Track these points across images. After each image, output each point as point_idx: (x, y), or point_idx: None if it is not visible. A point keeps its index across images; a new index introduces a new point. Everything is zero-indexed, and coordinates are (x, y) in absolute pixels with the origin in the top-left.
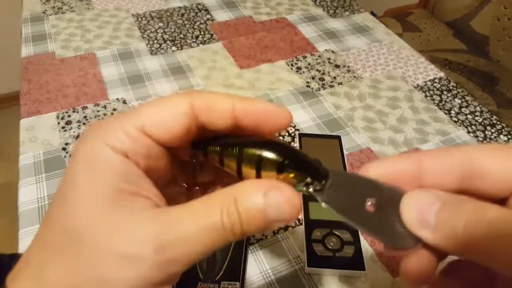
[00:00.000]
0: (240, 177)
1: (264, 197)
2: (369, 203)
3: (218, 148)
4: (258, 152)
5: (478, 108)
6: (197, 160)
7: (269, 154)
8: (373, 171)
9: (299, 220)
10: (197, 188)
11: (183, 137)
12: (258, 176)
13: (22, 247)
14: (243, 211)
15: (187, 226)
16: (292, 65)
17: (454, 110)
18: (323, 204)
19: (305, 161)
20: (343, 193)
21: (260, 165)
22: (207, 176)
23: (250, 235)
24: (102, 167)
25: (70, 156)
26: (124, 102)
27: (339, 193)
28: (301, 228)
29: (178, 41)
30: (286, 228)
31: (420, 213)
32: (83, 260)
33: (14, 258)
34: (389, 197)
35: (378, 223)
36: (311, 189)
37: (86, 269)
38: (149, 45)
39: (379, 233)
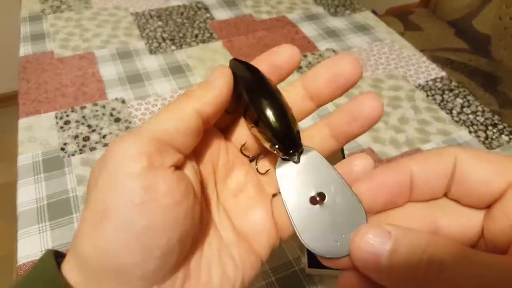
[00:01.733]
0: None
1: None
2: (314, 194)
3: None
4: (250, 94)
5: (479, 108)
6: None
7: (254, 108)
8: (363, 187)
9: None
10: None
11: (193, 141)
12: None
13: (21, 248)
14: None
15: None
16: None
17: (456, 110)
18: (277, 171)
19: (283, 125)
20: (302, 173)
21: (245, 111)
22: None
23: (200, 91)
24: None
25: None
26: (123, 101)
27: (299, 171)
28: None
29: (178, 40)
30: None
31: (372, 256)
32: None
33: None
34: (344, 203)
35: (312, 221)
36: (275, 152)
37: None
38: (148, 44)
39: (303, 230)
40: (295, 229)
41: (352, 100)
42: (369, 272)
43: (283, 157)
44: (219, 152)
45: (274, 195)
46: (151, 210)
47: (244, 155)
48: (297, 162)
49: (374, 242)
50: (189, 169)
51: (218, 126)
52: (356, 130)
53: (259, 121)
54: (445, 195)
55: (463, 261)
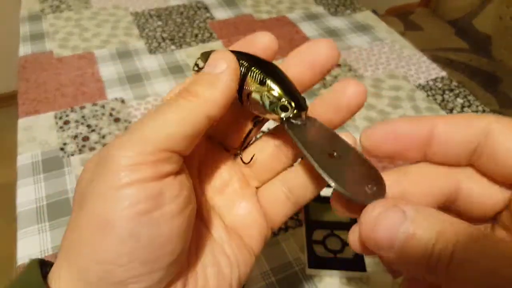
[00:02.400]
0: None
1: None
2: (334, 153)
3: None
4: (248, 63)
5: (480, 108)
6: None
7: (259, 66)
8: (379, 130)
9: (299, 221)
10: None
11: (193, 143)
12: (242, 83)
13: (20, 248)
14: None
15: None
16: None
17: (456, 110)
18: (290, 132)
19: (290, 85)
20: (311, 134)
21: (247, 73)
22: None
23: (203, 93)
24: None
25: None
26: (123, 101)
27: (307, 132)
28: (302, 229)
29: (177, 40)
30: (286, 229)
31: (387, 235)
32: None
33: None
34: (357, 160)
35: (338, 171)
36: (283, 115)
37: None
38: (147, 44)
39: (337, 179)
40: (324, 176)
41: (334, 88)
42: (381, 252)
43: (291, 116)
44: (201, 149)
45: (257, 187)
46: (157, 220)
47: (227, 150)
48: (305, 121)
49: (388, 223)
50: (185, 172)
51: None
52: (341, 119)
53: (266, 78)
54: (471, 165)
55: (476, 250)
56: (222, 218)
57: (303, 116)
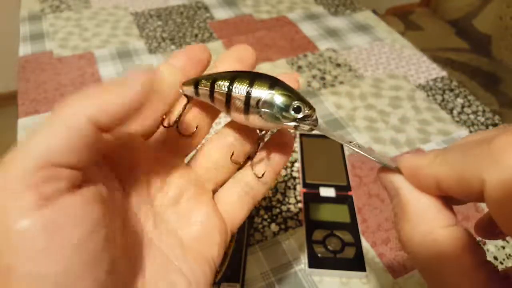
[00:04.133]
0: (228, 106)
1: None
2: (351, 141)
3: (211, 80)
4: (251, 75)
5: (480, 108)
6: (189, 100)
7: (262, 76)
8: (402, 161)
9: (299, 221)
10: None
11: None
12: (247, 100)
13: None
14: None
15: None
16: (292, 64)
17: (456, 110)
18: (312, 128)
19: (294, 89)
20: (324, 131)
21: (252, 82)
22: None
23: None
24: None
25: None
26: None
27: (319, 128)
28: (302, 229)
29: (177, 40)
30: (286, 229)
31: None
32: None
33: None
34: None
35: (370, 151)
36: (300, 114)
37: None
38: (147, 44)
39: (379, 159)
40: (366, 155)
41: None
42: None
43: (302, 119)
44: (148, 159)
45: (214, 191)
46: (61, 252)
47: (235, 162)
48: (316, 123)
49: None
50: (97, 185)
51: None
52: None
53: (275, 84)
54: None
55: None
56: (179, 231)
57: (314, 115)
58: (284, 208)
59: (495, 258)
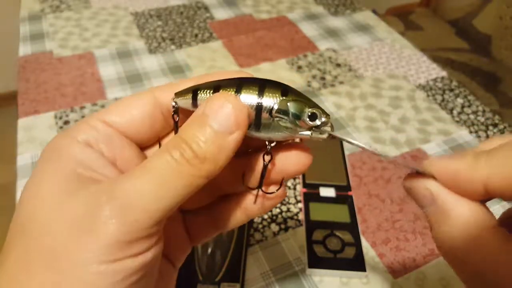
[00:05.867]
0: None
1: (204, 107)
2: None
3: (213, 89)
4: (258, 82)
5: (480, 108)
6: (178, 114)
7: (271, 83)
8: (434, 166)
9: (299, 221)
10: None
11: (148, 126)
12: (259, 109)
13: None
14: (184, 130)
15: (136, 179)
16: (292, 64)
17: (456, 110)
18: (329, 133)
19: (307, 96)
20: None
21: (262, 90)
22: None
23: (211, 157)
24: (59, 156)
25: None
26: None
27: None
28: (302, 229)
29: (177, 40)
30: (286, 229)
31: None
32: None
33: None
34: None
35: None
36: (317, 122)
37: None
38: (147, 44)
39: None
40: (375, 152)
41: (281, 154)
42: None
43: (319, 127)
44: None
45: (185, 212)
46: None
47: (251, 188)
48: (333, 130)
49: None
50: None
51: None
52: (278, 179)
53: (287, 92)
54: None
55: None
56: None
57: (330, 122)
58: (284, 208)
59: None
